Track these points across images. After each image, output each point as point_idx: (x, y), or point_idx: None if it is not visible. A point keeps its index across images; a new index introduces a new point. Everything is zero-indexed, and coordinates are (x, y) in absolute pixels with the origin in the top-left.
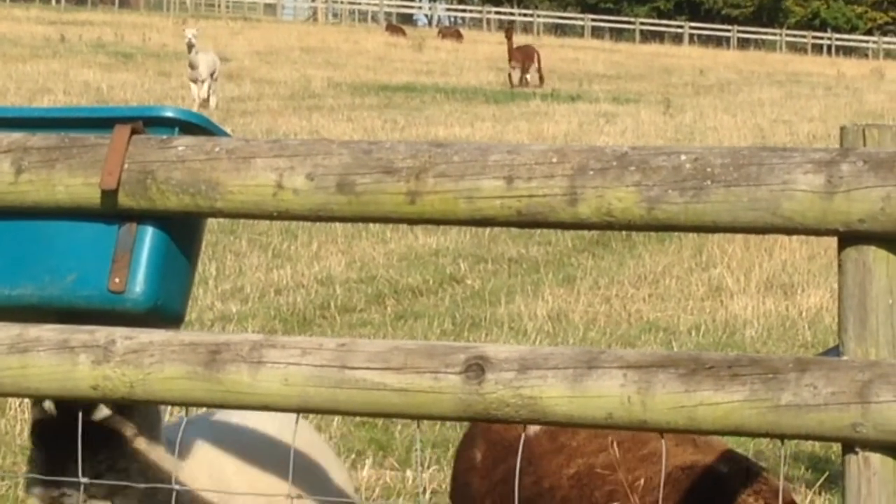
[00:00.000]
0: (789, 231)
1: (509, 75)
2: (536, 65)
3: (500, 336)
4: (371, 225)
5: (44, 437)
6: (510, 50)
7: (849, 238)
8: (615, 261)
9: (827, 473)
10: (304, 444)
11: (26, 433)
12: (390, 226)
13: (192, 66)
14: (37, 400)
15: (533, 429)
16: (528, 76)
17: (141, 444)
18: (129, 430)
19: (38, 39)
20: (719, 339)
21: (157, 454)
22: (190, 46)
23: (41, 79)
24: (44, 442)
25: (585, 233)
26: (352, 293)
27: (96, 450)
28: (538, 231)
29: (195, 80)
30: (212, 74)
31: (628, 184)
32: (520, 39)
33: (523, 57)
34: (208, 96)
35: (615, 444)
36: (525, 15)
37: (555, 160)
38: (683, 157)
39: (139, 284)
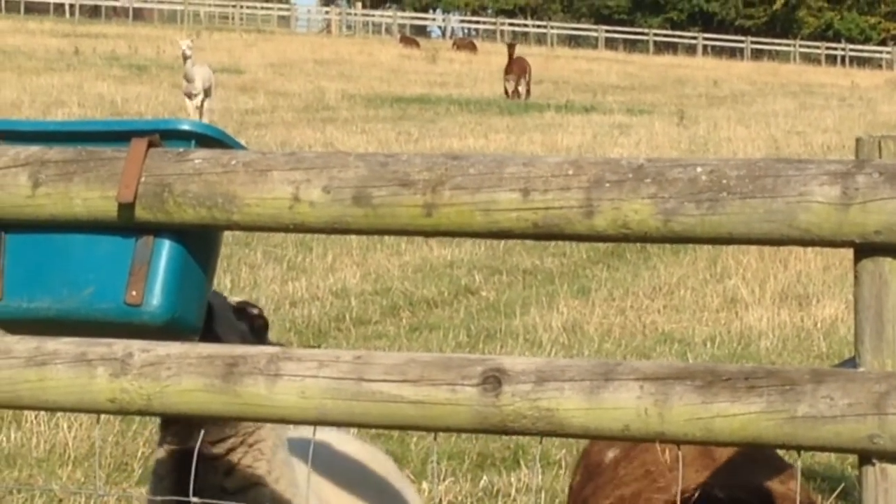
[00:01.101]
0: (805, 243)
1: (505, 88)
2: (527, 77)
3: (515, 348)
4: (386, 237)
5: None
6: (509, 63)
7: (865, 250)
8: (630, 272)
9: (843, 485)
10: (385, 471)
11: (42, 446)
12: (405, 238)
13: (188, 80)
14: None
15: (610, 454)
16: (521, 88)
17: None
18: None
19: (52, 52)
20: (734, 351)
21: (290, 473)
22: (185, 58)
23: (55, 91)
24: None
25: (600, 244)
26: (367, 305)
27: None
28: (553, 242)
29: (190, 94)
30: (206, 89)
31: (644, 196)
32: (534, 51)
33: (518, 70)
34: (202, 111)
35: (644, 471)
36: (539, 26)
37: (571, 172)
38: (699, 169)
39: (156, 297)
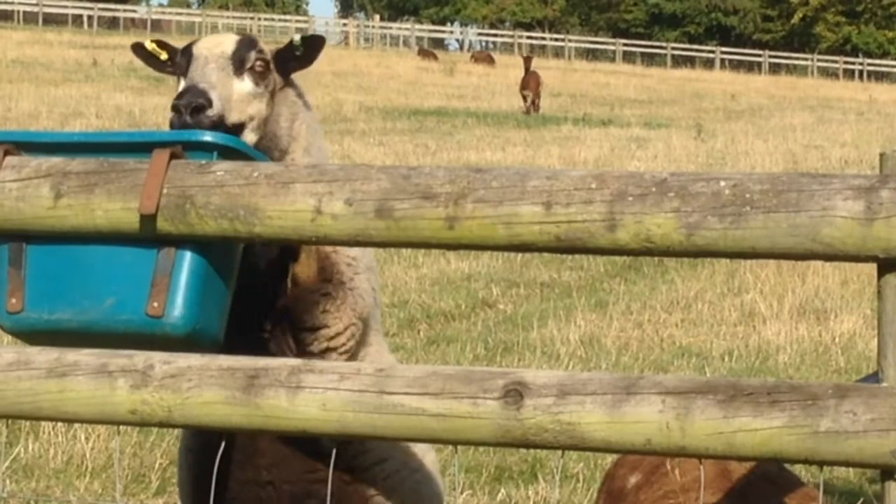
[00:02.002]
0: (829, 257)
1: (524, 102)
2: (539, 91)
3: (532, 361)
4: (404, 250)
5: None
6: (525, 77)
7: (888, 264)
8: (647, 286)
9: (860, 500)
10: None
11: (60, 457)
12: (423, 250)
13: None
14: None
15: (633, 479)
16: (538, 101)
17: None
18: None
19: (70, 63)
20: (752, 365)
21: None
22: None
23: (73, 102)
24: None
25: (618, 258)
26: (384, 317)
27: None
28: (571, 256)
29: None
30: None
31: (667, 210)
32: (551, 64)
33: (534, 83)
34: None
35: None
36: (556, 40)
37: (594, 186)
38: (723, 184)
39: (178, 309)
